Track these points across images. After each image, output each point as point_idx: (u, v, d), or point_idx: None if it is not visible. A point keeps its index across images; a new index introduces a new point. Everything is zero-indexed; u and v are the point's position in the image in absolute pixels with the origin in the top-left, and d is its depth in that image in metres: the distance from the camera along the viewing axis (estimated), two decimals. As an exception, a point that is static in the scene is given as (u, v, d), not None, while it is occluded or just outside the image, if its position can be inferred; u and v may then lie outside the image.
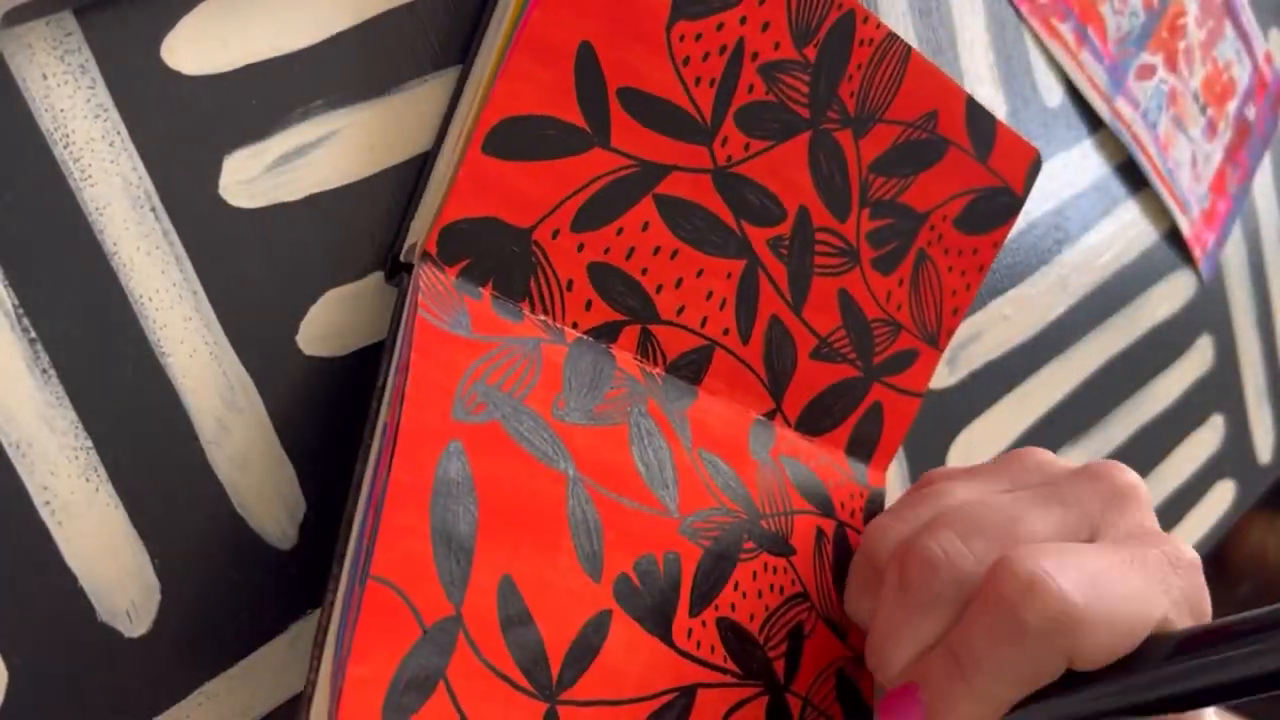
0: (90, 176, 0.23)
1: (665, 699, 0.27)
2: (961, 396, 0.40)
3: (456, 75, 0.27)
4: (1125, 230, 0.46)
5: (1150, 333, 0.47)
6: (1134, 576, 0.28)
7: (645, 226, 0.29)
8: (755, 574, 0.30)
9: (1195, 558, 0.29)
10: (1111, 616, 0.27)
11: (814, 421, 0.34)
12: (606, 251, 0.28)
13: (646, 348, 0.30)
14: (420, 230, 0.26)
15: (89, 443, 0.23)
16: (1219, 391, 0.51)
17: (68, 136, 0.23)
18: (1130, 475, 0.30)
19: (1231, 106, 0.49)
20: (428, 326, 0.24)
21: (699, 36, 0.28)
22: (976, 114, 0.34)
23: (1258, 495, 0.54)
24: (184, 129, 0.24)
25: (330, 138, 0.26)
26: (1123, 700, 0.27)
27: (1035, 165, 0.36)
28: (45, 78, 0.23)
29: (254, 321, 0.25)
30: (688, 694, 0.28)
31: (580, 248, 0.28)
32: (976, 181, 0.35)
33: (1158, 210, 0.47)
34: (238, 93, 0.25)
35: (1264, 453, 0.54)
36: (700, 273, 0.30)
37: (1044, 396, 0.43)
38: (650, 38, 0.27)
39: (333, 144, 0.26)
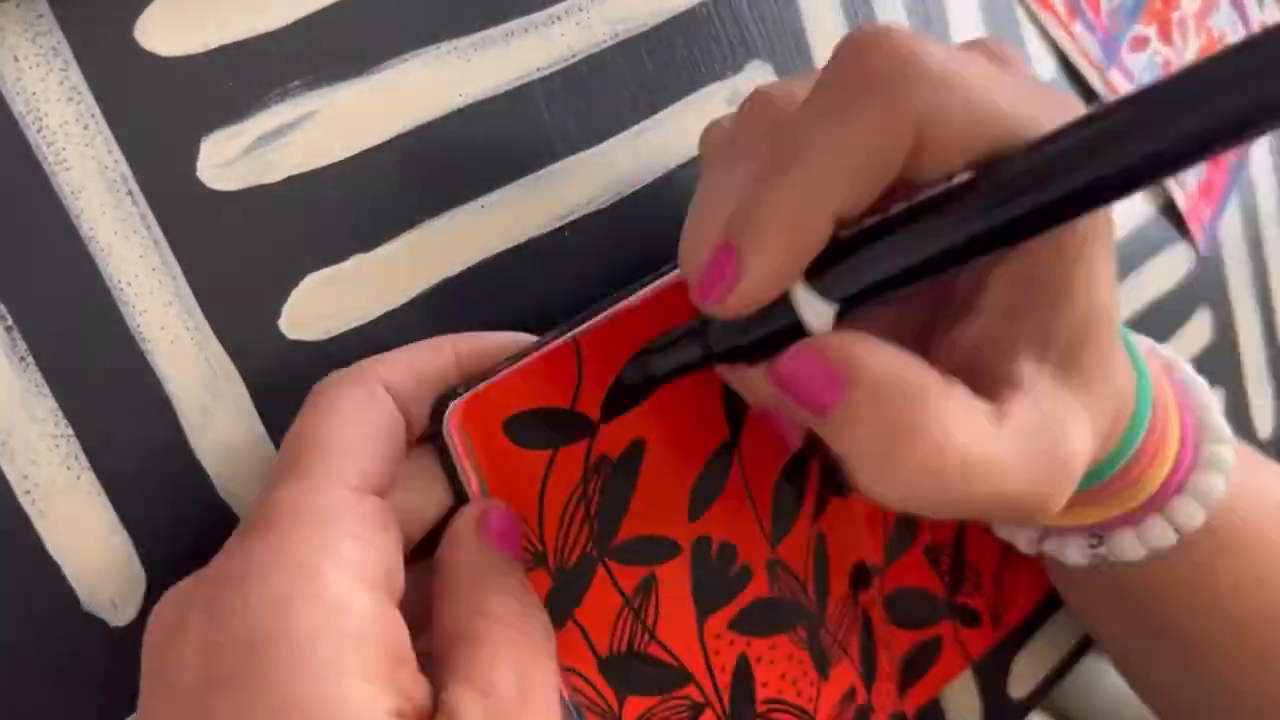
0: (65, 161, 0.23)
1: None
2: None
3: (429, 52, 0.27)
4: (1120, 204, 0.45)
5: (1148, 307, 0.47)
6: (1004, 78, 0.22)
7: None
8: (791, 655, 0.31)
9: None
10: (968, 83, 0.21)
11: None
12: None
13: None
14: None
15: (69, 430, 0.23)
16: (1218, 366, 0.51)
17: (41, 120, 0.23)
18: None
19: (1227, 78, 0.49)
20: None
21: None
22: None
23: (1258, 470, 0.54)
24: (160, 111, 0.24)
25: (309, 119, 0.25)
26: (973, 224, 0.21)
27: None
28: (16, 60, 0.22)
29: (236, 306, 0.25)
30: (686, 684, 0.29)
31: None
32: None
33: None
34: (214, 74, 0.24)
35: (1264, 427, 0.54)
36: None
37: (1040, 373, 0.43)
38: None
39: (312, 125, 0.25)
